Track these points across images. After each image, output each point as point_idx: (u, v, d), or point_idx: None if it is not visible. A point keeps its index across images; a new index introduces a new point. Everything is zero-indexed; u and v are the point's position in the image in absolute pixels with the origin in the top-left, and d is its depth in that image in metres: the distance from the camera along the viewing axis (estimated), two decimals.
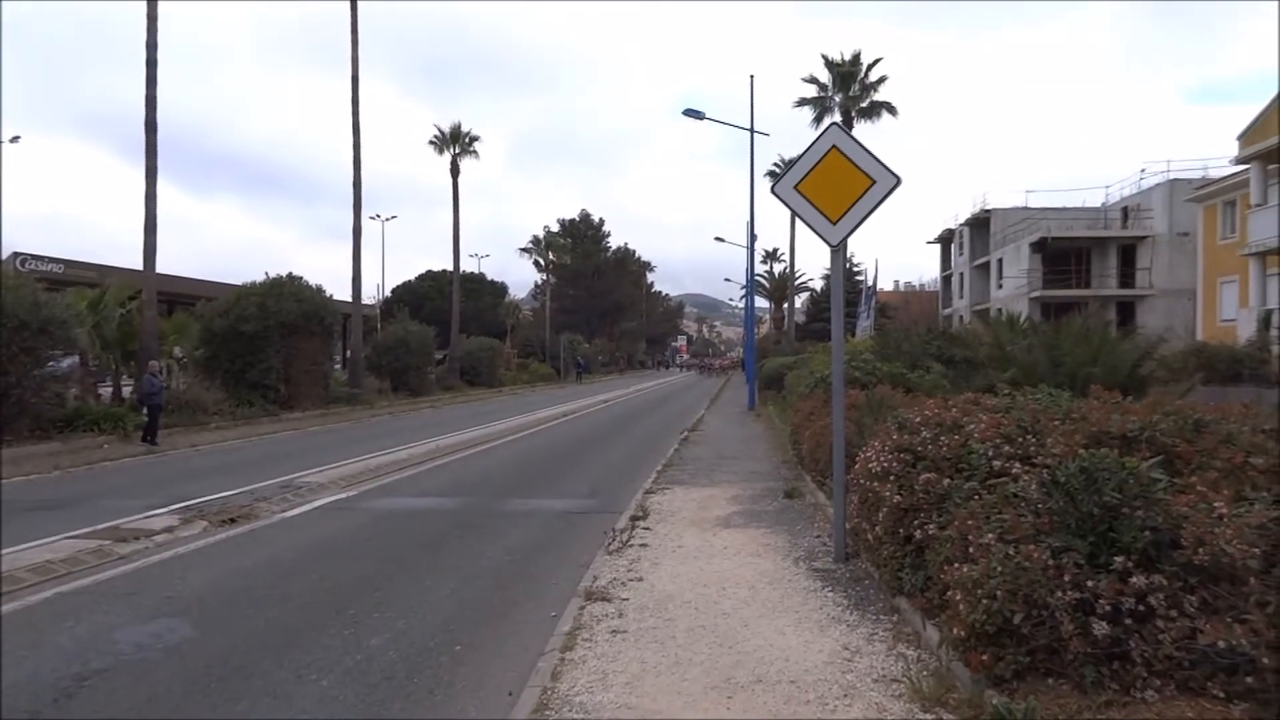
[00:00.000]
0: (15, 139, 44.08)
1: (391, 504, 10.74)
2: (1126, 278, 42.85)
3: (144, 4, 21.18)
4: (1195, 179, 36.49)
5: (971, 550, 4.21)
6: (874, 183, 6.73)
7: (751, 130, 27.71)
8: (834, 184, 6.81)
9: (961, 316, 52.82)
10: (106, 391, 22.39)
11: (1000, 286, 48.32)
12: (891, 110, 37.29)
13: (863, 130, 38.48)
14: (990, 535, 4.12)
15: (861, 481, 6.02)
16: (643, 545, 7.67)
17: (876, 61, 37.30)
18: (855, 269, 57.01)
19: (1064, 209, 47.95)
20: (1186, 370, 17.88)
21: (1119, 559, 3.65)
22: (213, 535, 8.89)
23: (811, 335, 53.31)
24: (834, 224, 6.82)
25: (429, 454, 15.93)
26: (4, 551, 7.80)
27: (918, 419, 5.92)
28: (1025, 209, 48.53)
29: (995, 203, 50.55)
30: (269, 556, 8.03)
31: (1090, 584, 3.64)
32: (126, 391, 22.18)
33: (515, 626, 5.85)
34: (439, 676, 4.91)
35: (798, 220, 7.08)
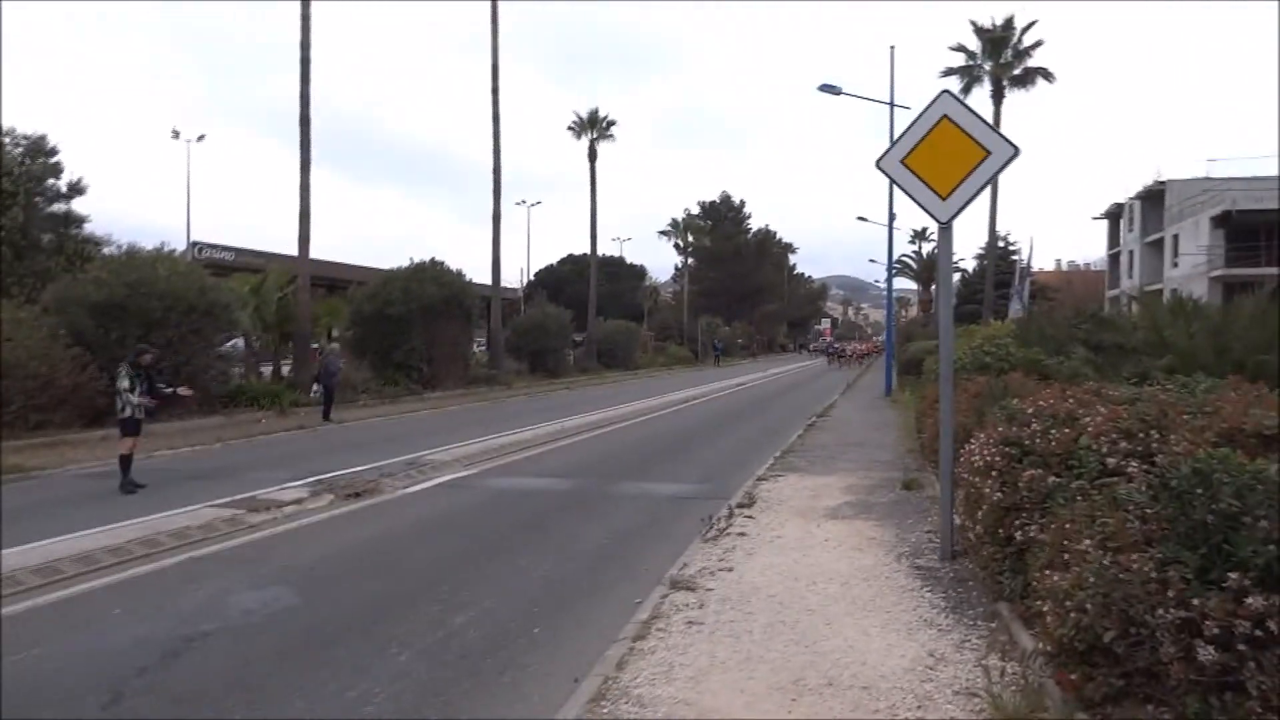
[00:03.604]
0: (201, 137, 48.17)
1: (507, 483, 10.99)
2: None
3: (298, 4, 22.51)
4: None
5: (1067, 557, 3.80)
6: (989, 154, 6.21)
7: (891, 104, 26.54)
8: (945, 156, 6.33)
9: (1130, 298, 48.89)
10: (268, 370, 24.16)
11: (1175, 265, 44.34)
12: (1048, 77, 34.71)
13: (1016, 100, 36.13)
14: (1088, 541, 3.69)
15: (965, 476, 5.60)
16: (741, 534, 7.47)
17: (1031, 25, 34.83)
18: (1010, 247, 53.78)
19: (1252, 179, 43.23)
20: None
21: (1234, 575, 3.17)
22: (337, 508, 9.37)
23: (963, 318, 50.75)
24: (944, 200, 6.35)
25: (554, 435, 16.24)
26: (152, 517, 8.52)
27: (1030, 409, 5.43)
28: (1206, 180, 44.16)
29: (1171, 173, 46.35)
30: (382, 530, 8.38)
31: (1198, 602, 3.18)
32: (285, 370, 23.87)
33: (598, 611, 5.81)
34: (513, 658, 4.94)
35: (909, 197, 6.63)
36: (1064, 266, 76.77)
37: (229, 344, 20.17)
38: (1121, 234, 55.39)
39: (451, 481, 11.10)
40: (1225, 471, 3.39)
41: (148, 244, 19.83)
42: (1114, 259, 58.10)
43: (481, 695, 4.45)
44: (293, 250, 23.46)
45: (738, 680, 4.28)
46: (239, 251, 30.85)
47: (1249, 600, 3.11)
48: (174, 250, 20.55)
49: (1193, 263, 41.45)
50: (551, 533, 8.22)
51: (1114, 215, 57.04)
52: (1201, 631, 3.16)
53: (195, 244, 29.41)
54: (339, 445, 15.01)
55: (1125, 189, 53.88)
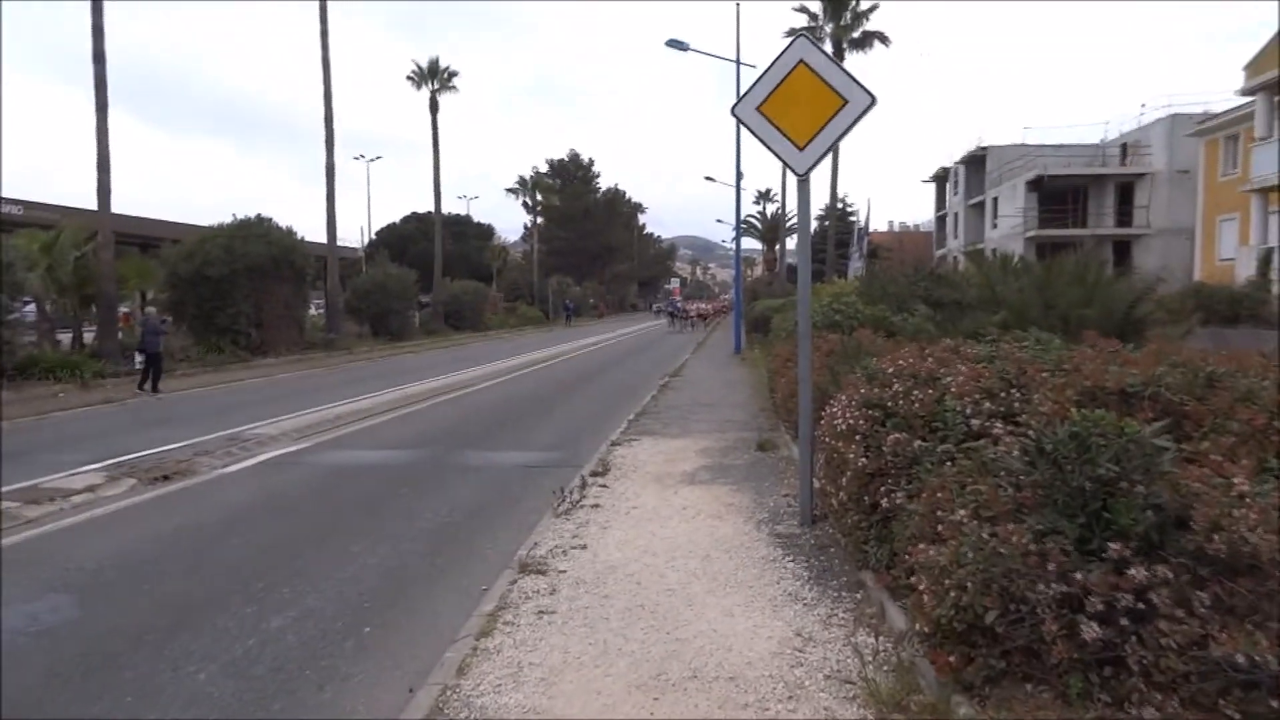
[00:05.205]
0: None
1: (341, 458, 10.12)
2: (1124, 216, 41.90)
3: None
4: (1198, 114, 35.32)
5: (941, 528, 3.57)
6: (846, 102, 5.93)
7: (738, 62, 26.50)
8: (801, 104, 6.01)
9: (956, 257, 51.92)
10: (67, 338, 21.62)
11: (995, 226, 47.36)
12: (884, 40, 35.91)
13: (855, 62, 37.08)
14: (963, 511, 3.47)
15: (827, 440, 5.38)
16: (595, 506, 7.05)
17: None
18: (848, 209, 55.91)
19: (1062, 146, 46.66)
20: (1184, 312, 17.19)
21: (1115, 545, 3.00)
22: (138, 495, 8.26)
23: None
24: (801, 150, 6.04)
25: (395, 403, 15.29)
26: None
27: (890, 369, 5.24)
28: (1023, 146, 47.24)
29: (992, 140, 49.26)
30: (192, 519, 7.41)
31: (1079, 576, 3.00)
32: (88, 338, 21.44)
33: (439, 603, 5.25)
34: (336, 667, 4.31)
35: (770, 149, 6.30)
36: (896, 228, 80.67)
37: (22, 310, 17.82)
38: (948, 197, 58.62)
39: (279, 458, 10.09)
40: (1102, 435, 3.22)
41: None
42: (941, 220, 61.48)
43: (298, 715, 3.82)
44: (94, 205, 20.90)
45: (594, 679, 3.85)
46: (29, 205, 27.39)
47: (1130, 571, 2.94)
48: None
49: (1010, 224, 44.36)
50: (389, 513, 7.52)
51: (941, 179, 60.25)
52: (1084, 606, 2.98)
53: None
54: (151, 420, 13.51)
55: (951, 154, 57.02)
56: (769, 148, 6.16)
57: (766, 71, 6.13)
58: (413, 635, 4.73)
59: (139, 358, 17.85)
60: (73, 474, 8.91)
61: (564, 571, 5.37)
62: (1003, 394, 4.50)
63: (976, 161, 51.04)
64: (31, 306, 20.51)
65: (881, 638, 4.06)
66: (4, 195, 27.08)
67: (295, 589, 5.48)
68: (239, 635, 4.71)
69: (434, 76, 41.74)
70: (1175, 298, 19.04)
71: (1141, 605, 2.91)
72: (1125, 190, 42.31)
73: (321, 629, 4.81)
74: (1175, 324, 14.04)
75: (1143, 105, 48.73)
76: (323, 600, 5.28)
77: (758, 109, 6.09)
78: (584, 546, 5.90)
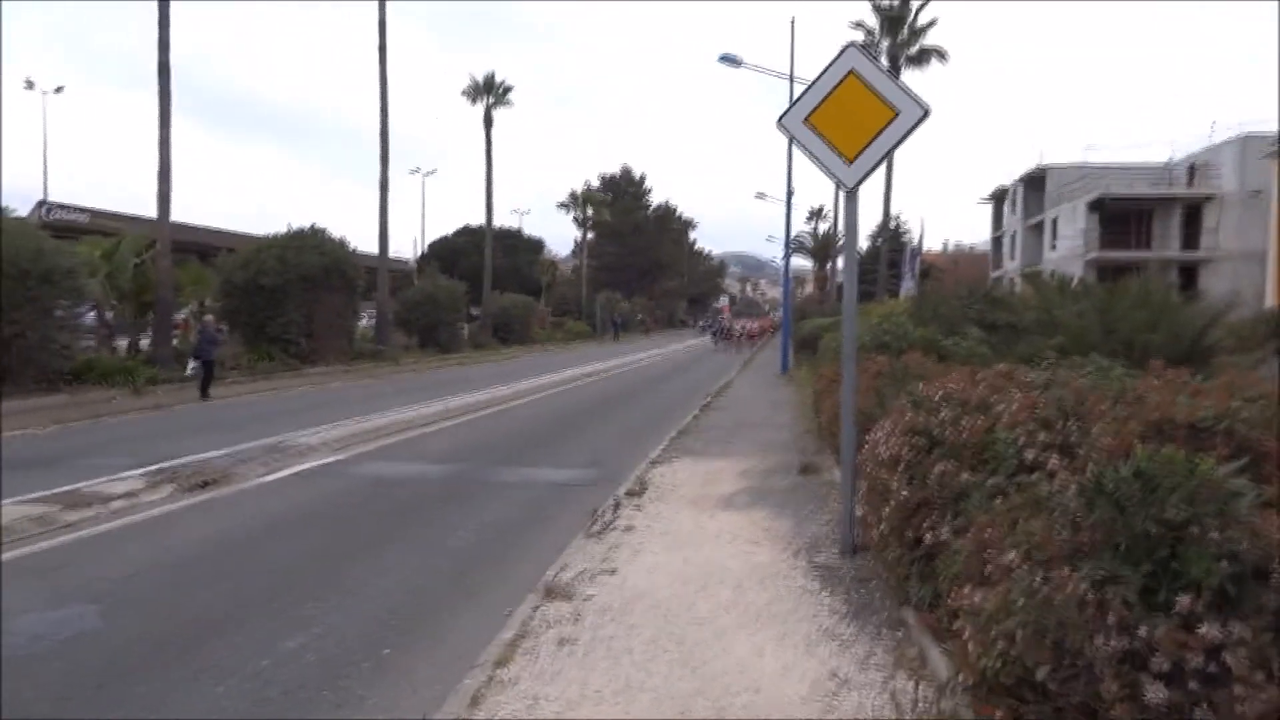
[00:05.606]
0: (59, 89, 44.46)
1: (379, 470, 10.07)
2: (1190, 239, 40.54)
3: None
4: (1272, 133, 33.99)
5: (989, 569, 3.30)
6: (898, 114, 5.70)
7: (791, 77, 26.25)
8: (851, 115, 5.80)
9: (1012, 279, 50.74)
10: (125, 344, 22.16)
11: (1054, 248, 46.20)
12: (942, 56, 35.34)
13: (912, 79, 36.55)
14: (1013, 552, 3.20)
15: (869, 468, 5.11)
16: (628, 528, 6.85)
17: (925, 3, 35.26)
18: (901, 228, 55.03)
19: (1125, 166, 45.40)
20: (1256, 340, 16.41)
21: (1183, 598, 2.71)
22: (176, 501, 8.29)
23: (858, 297, 51.49)
24: (850, 163, 5.82)
25: (439, 415, 15.28)
26: None
27: (937, 395, 4.97)
28: (1083, 166, 46.10)
29: (1052, 159, 48.17)
30: (225, 528, 7.39)
31: (1143, 630, 2.71)
32: (144, 344, 21.95)
33: (462, 625, 5.10)
34: (352, 690, 4.18)
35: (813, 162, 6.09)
36: (950, 248, 79.33)
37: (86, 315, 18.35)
38: (1005, 217, 57.43)
39: (318, 468, 10.09)
40: (1170, 474, 2.93)
41: None
42: (997, 241, 60.26)
43: None
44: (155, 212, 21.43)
45: (612, 716, 3.65)
46: (95, 213, 28.37)
47: (1202, 628, 2.65)
48: (13, 210, 18.45)
49: (1070, 245, 43.23)
50: (421, 527, 7.42)
51: (998, 198, 59.09)
52: (1148, 665, 2.69)
53: (44, 204, 26.82)
54: (197, 427, 13.67)
55: (1009, 173, 55.89)
56: (816, 161, 5.95)
57: (815, 82, 5.92)
58: (433, 658, 4.58)
59: (192, 364, 18.22)
60: (115, 479, 9.01)
61: (591, 597, 5.18)
62: (1059, 425, 4.20)
63: (1035, 181, 49.93)
64: (92, 312, 21.06)
65: (922, 685, 3.78)
66: (72, 203, 28.05)
67: (319, 605, 5.38)
68: (259, 651, 4.61)
69: (489, 91, 42.22)
70: (1246, 325, 18.19)
71: (1214, 667, 2.62)
72: (1192, 212, 40.95)
73: (342, 648, 4.69)
74: (1246, 352, 13.38)
75: (1213, 123, 47.17)
76: (346, 617, 5.17)
77: (805, 121, 5.89)
78: (613, 571, 5.70)
